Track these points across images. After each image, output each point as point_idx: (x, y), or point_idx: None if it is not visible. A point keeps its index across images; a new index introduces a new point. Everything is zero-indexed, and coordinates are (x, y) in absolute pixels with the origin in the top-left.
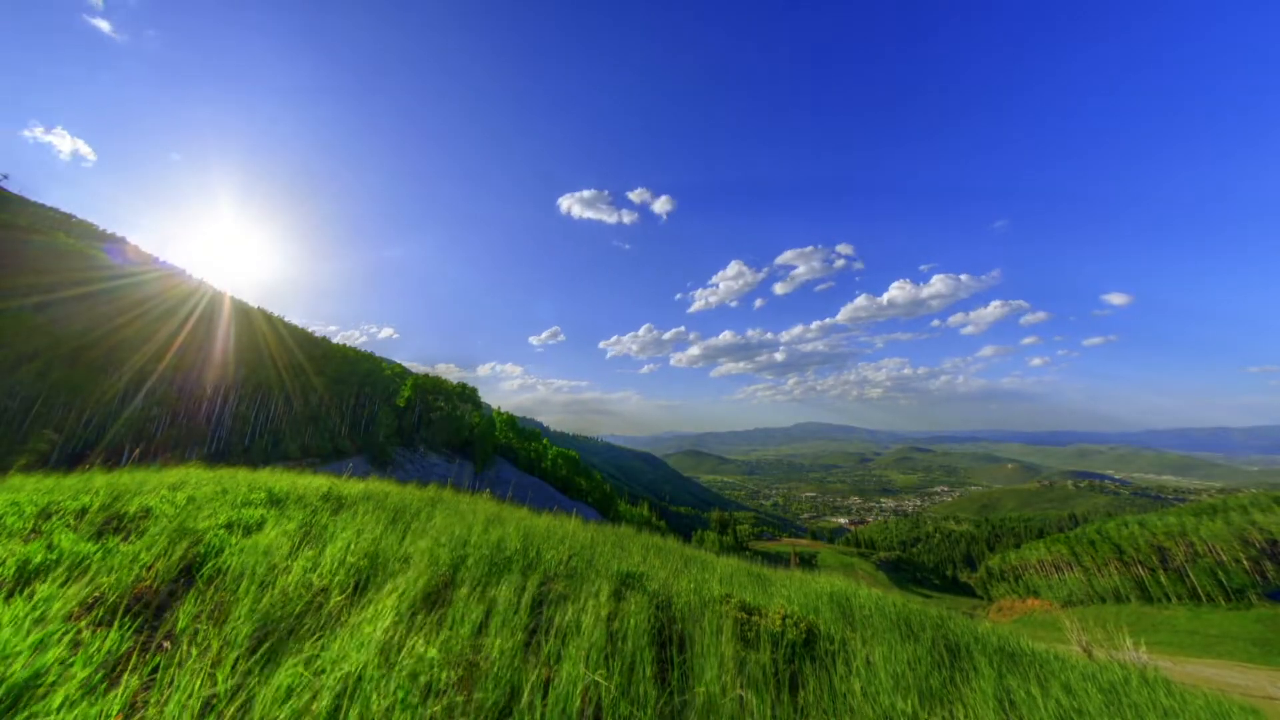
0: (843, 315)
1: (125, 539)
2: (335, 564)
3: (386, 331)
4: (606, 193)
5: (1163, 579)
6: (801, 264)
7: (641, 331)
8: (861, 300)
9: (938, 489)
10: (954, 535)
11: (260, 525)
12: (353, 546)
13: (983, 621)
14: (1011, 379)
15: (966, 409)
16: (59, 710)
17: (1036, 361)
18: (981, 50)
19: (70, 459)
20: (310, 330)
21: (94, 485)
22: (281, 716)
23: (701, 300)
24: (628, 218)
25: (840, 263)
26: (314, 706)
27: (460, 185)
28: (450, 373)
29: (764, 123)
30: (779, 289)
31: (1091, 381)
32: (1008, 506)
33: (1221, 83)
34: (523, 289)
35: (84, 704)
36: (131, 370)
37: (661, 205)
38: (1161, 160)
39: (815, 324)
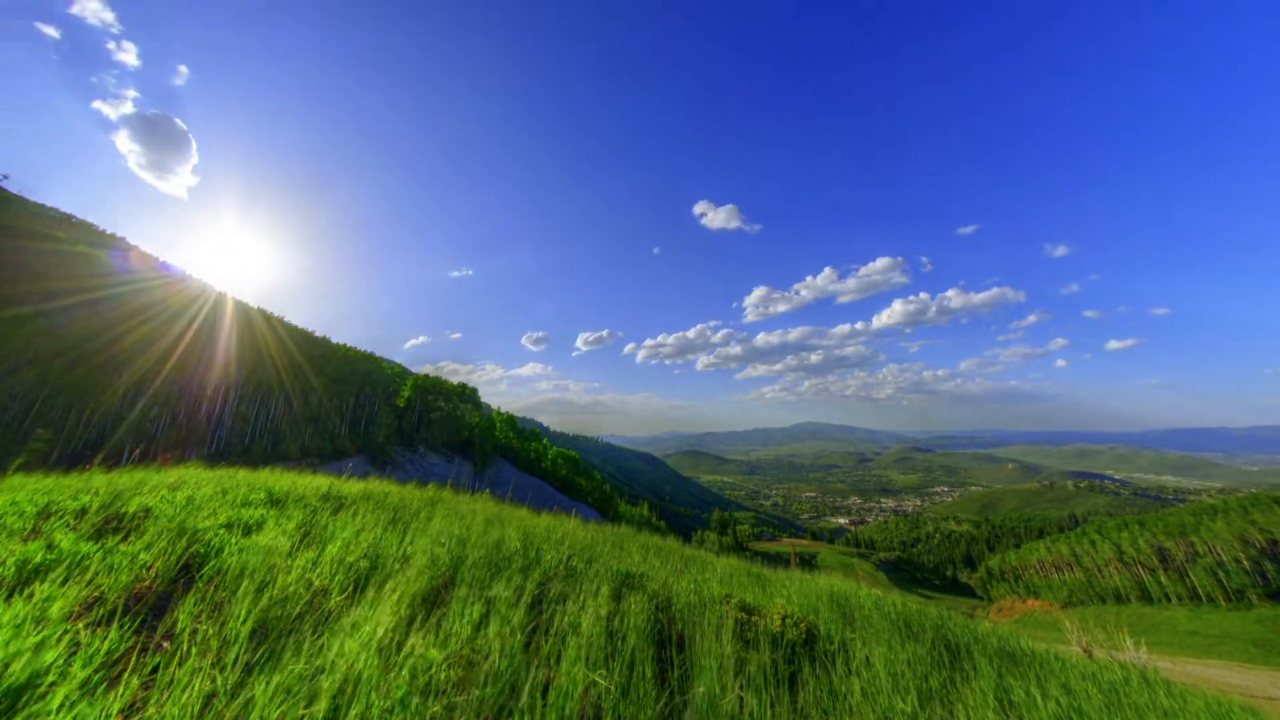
0: (895, 318)
1: (125, 539)
2: (335, 564)
3: (455, 335)
4: (729, 205)
5: (1163, 579)
6: (889, 274)
7: (692, 333)
8: (916, 302)
9: (938, 489)
10: (954, 535)
11: (260, 525)
12: (352, 546)
13: (983, 622)
14: (1023, 381)
15: (968, 409)
16: (59, 710)
17: (1060, 364)
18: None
19: (70, 459)
20: (311, 331)
21: (94, 485)
22: (281, 716)
23: (777, 304)
24: (718, 222)
25: (925, 271)
26: (314, 706)
27: (551, 198)
28: (493, 371)
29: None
30: (844, 299)
31: (1108, 384)
32: (1008, 506)
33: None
34: (585, 291)
35: (84, 704)
36: (131, 372)
37: (746, 217)
38: (1213, 167)
39: (860, 324)
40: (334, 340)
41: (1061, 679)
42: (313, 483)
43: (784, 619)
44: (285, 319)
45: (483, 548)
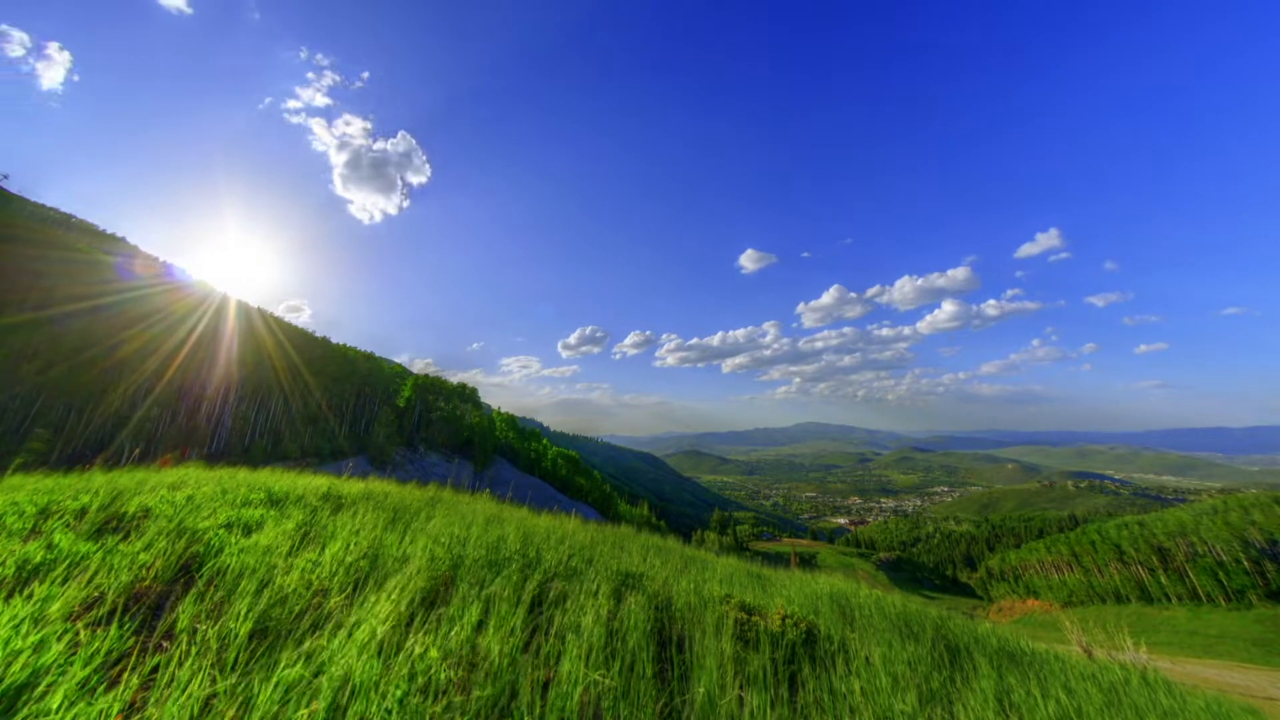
0: (940, 324)
1: (125, 539)
2: (334, 564)
3: (519, 339)
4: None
5: (1163, 579)
6: (963, 284)
7: (741, 334)
8: (967, 308)
9: (938, 489)
10: (954, 535)
11: (260, 525)
12: (352, 546)
13: (983, 622)
14: (1044, 385)
15: (970, 409)
16: (58, 710)
17: (1086, 367)
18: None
19: (70, 459)
20: (312, 331)
21: (94, 485)
22: (281, 716)
23: (847, 308)
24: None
25: (988, 280)
26: (313, 706)
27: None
28: (531, 365)
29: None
30: (906, 306)
31: (1127, 384)
32: (1008, 506)
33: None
34: (645, 297)
35: (83, 703)
36: (132, 372)
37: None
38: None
39: (908, 328)
40: (359, 344)
41: (1061, 679)
42: (312, 483)
43: (784, 619)
44: (285, 320)
45: (483, 548)
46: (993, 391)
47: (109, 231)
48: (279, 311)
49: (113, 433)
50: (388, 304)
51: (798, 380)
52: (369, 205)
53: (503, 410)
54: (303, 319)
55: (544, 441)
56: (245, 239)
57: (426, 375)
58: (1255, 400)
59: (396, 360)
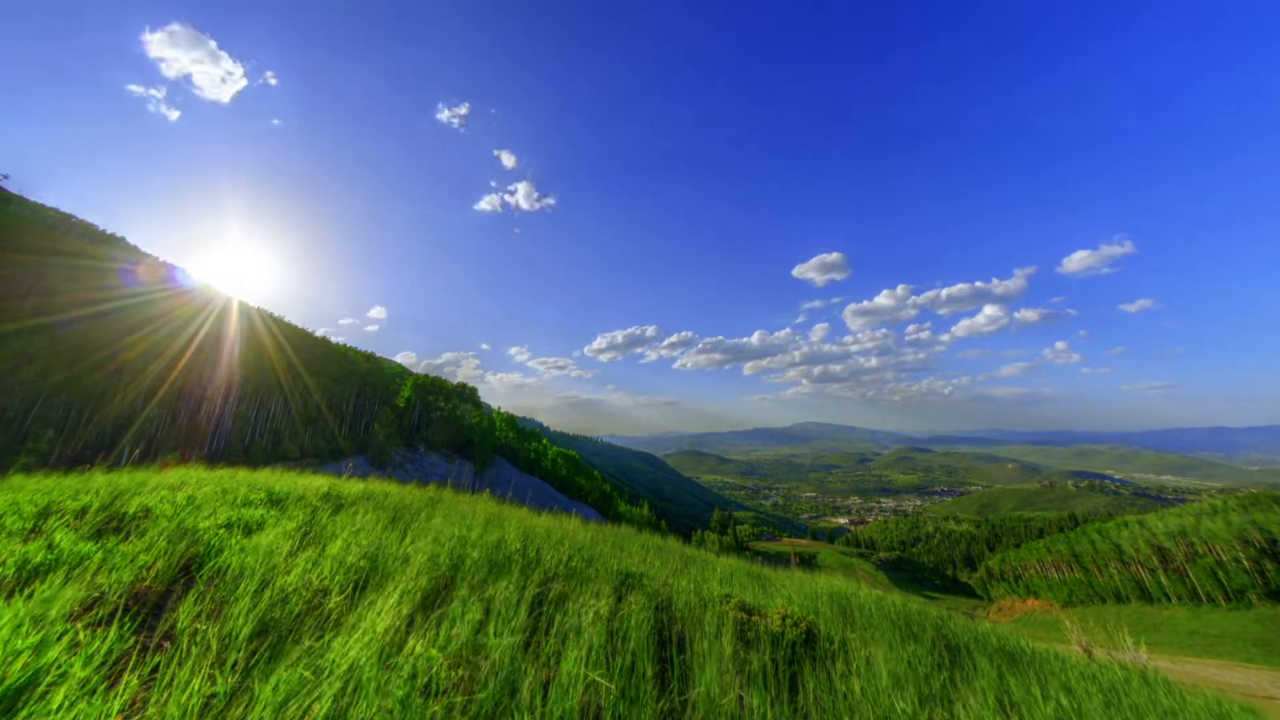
0: (976, 328)
1: (125, 539)
2: (335, 564)
3: (559, 340)
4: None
5: (1163, 579)
6: (1016, 291)
7: (782, 336)
8: (1005, 313)
9: (938, 489)
10: (954, 535)
11: (260, 525)
12: (352, 547)
13: (983, 622)
14: (1053, 388)
15: (970, 409)
16: (59, 710)
17: (1104, 370)
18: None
19: (71, 460)
20: (313, 331)
21: (94, 485)
22: (282, 717)
23: (904, 310)
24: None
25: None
26: (314, 707)
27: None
28: (568, 365)
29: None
30: (945, 311)
31: (1135, 386)
32: (1008, 506)
33: None
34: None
35: (83, 704)
36: (132, 373)
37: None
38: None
39: (945, 335)
40: (356, 344)
41: (1061, 679)
42: (313, 483)
43: (784, 619)
44: (286, 319)
45: (483, 548)
46: (1004, 393)
47: (108, 231)
48: (366, 316)
49: (113, 434)
50: (453, 308)
51: (806, 381)
52: (506, 204)
53: (503, 410)
54: (381, 319)
55: (544, 441)
56: (353, 248)
57: (426, 375)
58: (1256, 400)
59: (442, 359)
